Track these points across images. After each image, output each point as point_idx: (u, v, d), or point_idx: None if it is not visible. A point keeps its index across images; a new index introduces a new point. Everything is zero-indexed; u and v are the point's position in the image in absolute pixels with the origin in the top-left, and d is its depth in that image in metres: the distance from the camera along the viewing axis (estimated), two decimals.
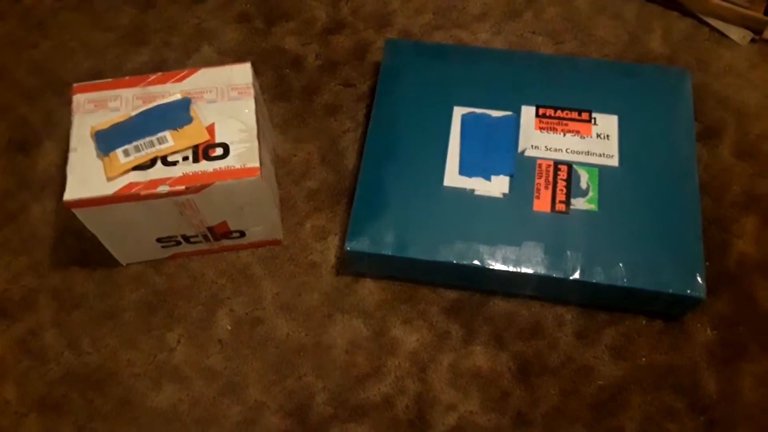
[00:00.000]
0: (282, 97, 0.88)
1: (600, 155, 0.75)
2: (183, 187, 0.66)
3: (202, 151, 0.68)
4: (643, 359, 0.72)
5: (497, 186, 0.74)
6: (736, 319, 0.74)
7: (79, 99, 0.71)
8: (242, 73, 0.72)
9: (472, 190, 0.74)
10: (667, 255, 0.70)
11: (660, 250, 0.71)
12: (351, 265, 0.76)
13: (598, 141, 0.76)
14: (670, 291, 0.69)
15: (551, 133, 0.77)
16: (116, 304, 0.76)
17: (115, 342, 0.74)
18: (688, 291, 0.69)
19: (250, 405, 0.71)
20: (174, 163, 0.67)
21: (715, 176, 0.82)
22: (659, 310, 0.74)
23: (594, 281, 0.70)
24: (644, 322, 0.74)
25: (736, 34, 0.90)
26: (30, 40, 0.93)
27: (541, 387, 0.71)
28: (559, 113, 0.78)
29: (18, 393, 0.72)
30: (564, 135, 0.77)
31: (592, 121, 0.77)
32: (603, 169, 0.75)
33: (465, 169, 0.75)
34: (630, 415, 0.70)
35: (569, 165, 0.75)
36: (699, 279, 0.69)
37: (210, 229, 0.74)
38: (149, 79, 0.72)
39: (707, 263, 0.71)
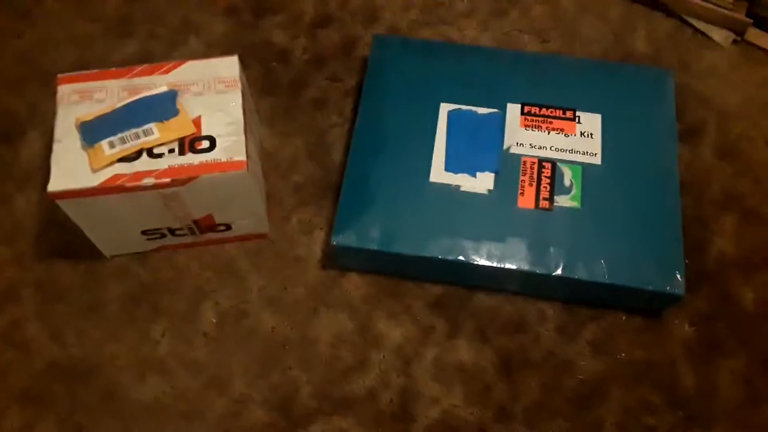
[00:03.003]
0: (269, 90, 0.88)
1: (583, 153, 0.76)
2: (168, 180, 0.66)
3: (188, 144, 0.68)
4: (623, 354, 0.74)
5: (482, 182, 0.75)
6: (715, 316, 0.76)
7: (64, 90, 0.70)
8: (229, 66, 0.72)
9: (458, 186, 0.75)
10: (647, 252, 0.72)
11: (641, 248, 0.72)
12: (337, 260, 0.77)
13: (581, 139, 0.77)
14: (650, 288, 0.70)
15: (536, 130, 0.78)
16: (100, 297, 0.76)
17: (99, 335, 0.74)
18: (668, 288, 0.70)
19: (235, 398, 0.72)
20: (160, 156, 0.67)
21: (695, 175, 0.83)
22: (639, 306, 0.75)
23: (576, 277, 0.71)
24: (624, 318, 0.75)
25: (718, 35, 0.92)
26: (15, 30, 0.92)
27: (523, 381, 0.72)
28: (544, 111, 0.79)
29: (1, 385, 0.72)
30: (549, 133, 0.78)
31: (577, 119, 0.78)
32: (586, 167, 0.76)
33: (451, 165, 0.76)
34: (609, 408, 0.71)
35: (553, 162, 0.76)
36: (678, 276, 0.70)
37: (195, 221, 0.74)
38: (135, 71, 0.71)
39: (687, 261, 0.72)
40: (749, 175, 0.83)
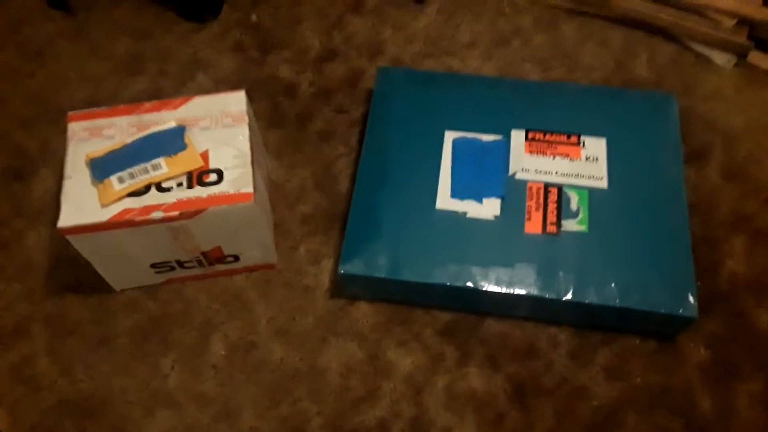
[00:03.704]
0: (276, 123, 0.89)
1: (589, 177, 0.77)
2: (177, 213, 0.67)
3: (196, 177, 0.69)
4: (638, 379, 0.73)
5: (489, 208, 0.75)
6: (730, 338, 0.75)
7: (74, 127, 0.72)
8: (236, 100, 0.73)
9: (464, 213, 0.75)
10: (658, 275, 0.71)
11: (651, 271, 0.71)
12: (345, 289, 0.77)
13: (587, 163, 0.77)
14: (662, 311, 0.69)
15: (541, 156, 0.78)
16: (110, 331, 0.76)
17: (109, 369, 0.74)
18: (680, 311, 0.69)
19: (245, 431, 0.71)
20: (168, 189, 0.68)
21: (703, 197, 0.83)
22: (652, 329, 0.74)
23: (587, 301, 0.70)
24: (638, 342, 0.74)
25: (720, 58, 0.92)
26: (27, 70, 0.94)
27: (537, 408, 0.71)
28: (548, 137, 0.79)
29: (11, 421, 0.71)
30: (554, 158, 0.78)
31: (581, 144, 0.79)
32: (592, 191, 0.76)
33: (457, 192, 0.76)
34: None
35: (559, 187, 0.76)
36: (691, 298, 0.70)
37: (204, 254, 0.74)
38: (144, 107, 0.73)
39: (698, 283, 0.71)
40: (757, 196, 0.83)
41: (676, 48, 0.94)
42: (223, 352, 0.75)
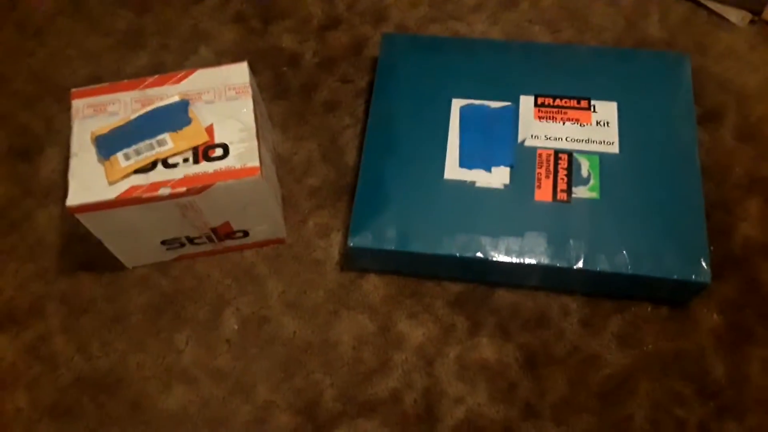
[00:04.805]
0: (281, 95, 0.88)
1: (600, 143, 0.75)
2: (184, 189, 0.66)
3: (202, 152, 0.68)
4: (650, 346, 0.72)
5: (498, 177, 0.74)
6: (743, 303, 0.74)
7: (78, 104, 0.71)
8: (239, 72, 0.72)
9: (473, 182, 0.74)
10: (670, 241, 0.70)
11: (663, 236, 0.70)
12: (355, 261, 0.77)
13: (597, 128, 0.76)
14: (675, 277, 0.69)
15: (550, 122, 0.77)
16: (124, 308, 0.77)
17: (124, 345, 0.75)
18: (693, 276, 0.69)
19: (260, 404, 0.72)
20: (174, 165, 0.67)
21: (716, 160, 0.81)
22: (664, 296, 0.74)
23: (598, 269, 0.70)
24: (650, 308, 0.74)
25: (734, 15, 0.90)
26: (28, 48, 0.93)
27: (549, 377, 0.71)
28: (558, 102, 0.78)
29: (29, 399, 0.73)
30: (563, 123, 0.76)
31: (592, 108, 0.77)
32: (604, 157, 0.74)
33: (465, 161, 0.75)
34: (638, 402, 0.70)
35: (569, 153, 0.75)
36: (703, 264, 0.69)
37: (213, 230, 0.74)
38: (147, 82, 0.72)
39: (711, 247, 0.71)
40: None
41: (689, 6, 0.91)
42: (236, 327, 0.75)
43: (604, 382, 0.71)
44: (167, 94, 0.71)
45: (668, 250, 0.70)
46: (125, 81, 0.72)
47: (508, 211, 0.72)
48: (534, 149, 0.75)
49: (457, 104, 0.78)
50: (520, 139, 0.76)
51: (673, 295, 0.73)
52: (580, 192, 0.73)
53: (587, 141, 0.75)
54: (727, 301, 0.74)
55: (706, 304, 0.74)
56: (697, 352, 0.72)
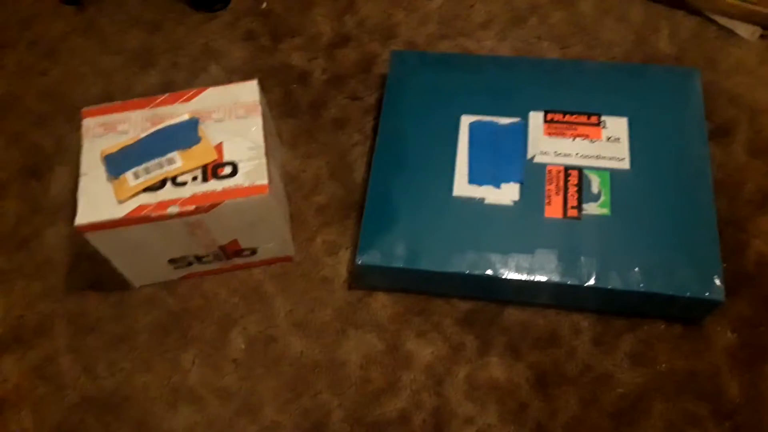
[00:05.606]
0: (290, 113, 0.88)
1: (611, 158, 0.75)
2: (193, 207, 0.66)
3: (211, 171, 0.68)
4: (663, 365, 0.71)
5: (507, 194, 0.73)
6: (757, 321, 0.73)
7: (88, 123, 0.71)
8: (249, 90, 0.72)
9: (482, 199, 0.73)
10: (683, 257, 0.69)
11: (676, 253, 0.69)
12: (363, 279, 0.76)
13: (608, 144, 0.75)
14: (688, 294, 0.68)
15: (560, 138, 0.76)
16: (130, 327, 0.76)
17: (130, 365, 0.74)
18: (707, 294, 0.68)
19: (266, 425, 0.71)
20: (183, 184, 0.67)
21: (729, 175, 0.80)
22: (677, 314, 0.72)
23: (609, 287, 0.69)
24: (663, 326, 0.73)
25: (744, 30, 0.89)
26: (40, 68, 0.94)
27: (560, 397, 0.70)
28: (567, 118, 0.77)
29: (35, 420, 0.72)
30: (573, 139, 0.76)
31: (602, 124, 0.77)
32: (614, 173, 0.74)
33: (474, 178, 0.75)
34: (652, 422, 0.69)
35: (580, 170, 0.74)
36: (717, 281, 0.68)
37: (221, 248, 0.74)
38: (157, 101, 0.72)
39: (724, 264, 0.70)
40: None
41: (698, 21, 0.91)
42: (242, 346, 0.75)
43: (617, 401, 0.70)
44: (177, 112, 0.71)
45: (681, 267, 0.69)
46: (136, 99, 0.73)
47: (518, 228, 0.72)
48: (543, 165, 0.75)
49: (466, 121, 0.78)
50: (529, 156, 0.75)
51: (687, 313, 0.72)
52: (591, 208, 0.72)
53: (597, 157, 0.75)
54: (742, 319, 0.73)
55: (719, 322, 0.73)
56: (712, 371, 0.71)
